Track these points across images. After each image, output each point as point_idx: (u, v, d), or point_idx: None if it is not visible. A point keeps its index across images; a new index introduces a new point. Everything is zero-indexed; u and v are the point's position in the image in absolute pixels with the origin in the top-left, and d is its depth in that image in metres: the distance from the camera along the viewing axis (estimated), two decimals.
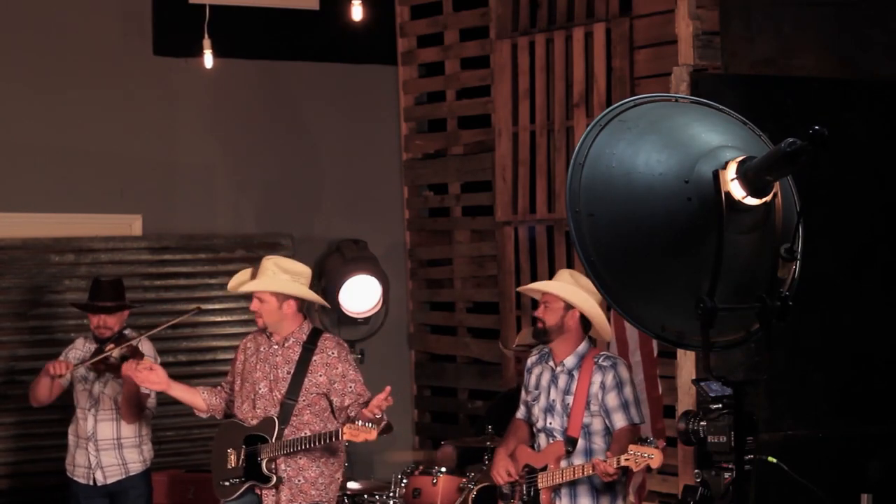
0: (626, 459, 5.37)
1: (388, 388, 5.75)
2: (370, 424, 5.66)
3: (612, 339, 6.94)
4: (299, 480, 5.97)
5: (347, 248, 8.79)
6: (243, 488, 6.04)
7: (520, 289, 6.54)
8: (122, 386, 6.53)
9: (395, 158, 9.22)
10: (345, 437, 5.73)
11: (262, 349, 6.12)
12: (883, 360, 6.50)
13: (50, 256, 7.93)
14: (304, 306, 6.15)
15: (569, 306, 5.77)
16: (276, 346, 6.07)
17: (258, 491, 6.02)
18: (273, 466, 5.96)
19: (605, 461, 5.48)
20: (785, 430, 6.22)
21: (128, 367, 6.29)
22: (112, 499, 6.70)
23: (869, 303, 6.49)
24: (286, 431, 5.96)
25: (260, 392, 6.05)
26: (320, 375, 5.99)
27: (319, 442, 5.86)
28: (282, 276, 6.00)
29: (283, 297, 6.01)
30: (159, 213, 8.44)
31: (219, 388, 6.35)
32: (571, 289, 5.77)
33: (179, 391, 6.25)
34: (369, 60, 9.11)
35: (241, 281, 6.15)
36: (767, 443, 5.76)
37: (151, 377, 6.15)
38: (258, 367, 6.09)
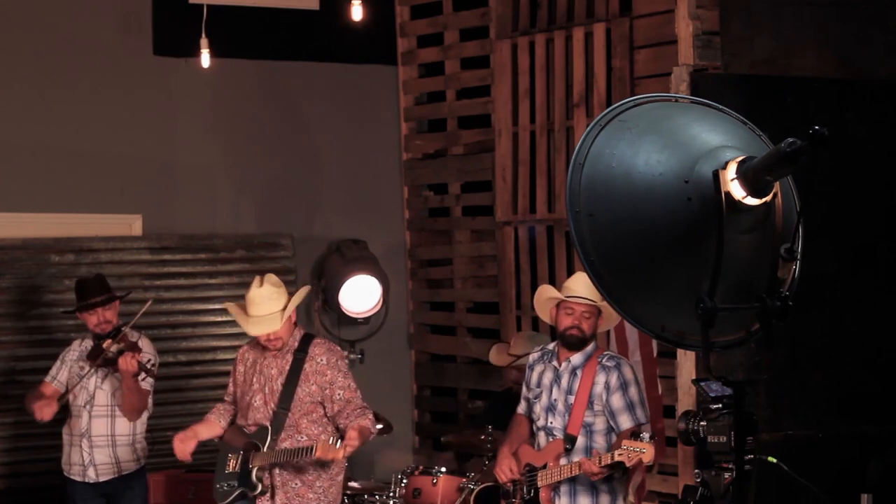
0: (619, 454, 5.37)
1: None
2: (338, 443, 5.68)
3: (611, 339, 6.95)
4: (296, 484, 5.97)
5: (347, 248, 8.78)
6: (235, 494, 6.05)
7: (571, 298, 5.74)
8: (119, 381, 6.53)
9: (395, 158, 9.22)
10: (316, 455, 5.75)
11: (258, 361, 6.14)
12: (883, 360, 6.50)
13: (50, 256, 7.93)
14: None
15: (598, 312, 5.78)
16: (270, 358, 6.09)
17: (251, 496, 6.03)
18: (263, 475, 5.97)
19: (590, 459, 5.48)
20: (785, 430, 6.21)
21: (124, 361, 6.32)
22: (108, 500, 6.70)
23: (869, 303, 6.48)
24: (282, 438, 5.97)
25: (255, 404, 6.09)
26: (312, 384, 6.01)
27: (297, 457, 5.88)
28: (281, 301, 6.01)
29: (288, 319, 6.07)
30: (159, 213, 8.43)
31: (224, 404, 6.37)
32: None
33: (205, 433, 6.25)
34: (369, 60, 9.10)
35: (256, 322, 6.05)
36: (767, 443, 5.77)
37: (185, 447, 6.12)
38: (255, 378, 6.12)
